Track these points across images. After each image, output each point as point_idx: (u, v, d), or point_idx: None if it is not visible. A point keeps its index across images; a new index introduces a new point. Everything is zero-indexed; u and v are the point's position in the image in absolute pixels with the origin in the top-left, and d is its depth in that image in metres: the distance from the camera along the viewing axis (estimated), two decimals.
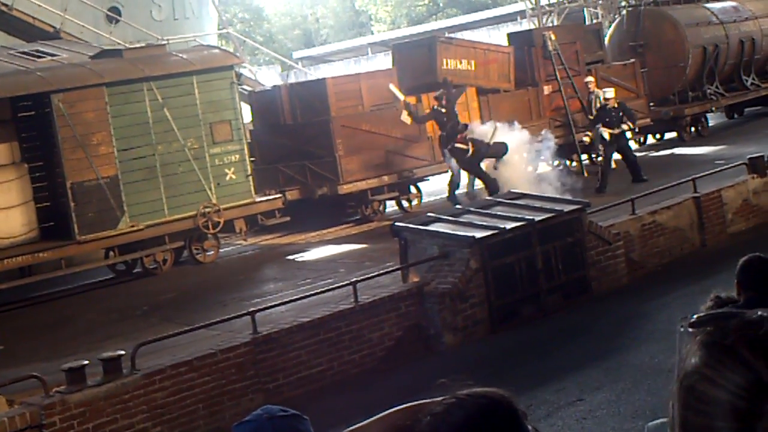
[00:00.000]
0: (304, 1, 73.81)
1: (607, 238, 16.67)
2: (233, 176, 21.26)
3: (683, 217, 18.51)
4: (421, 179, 24.68)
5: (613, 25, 33.58)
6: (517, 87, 26.72)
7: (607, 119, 23.76)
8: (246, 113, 24.41)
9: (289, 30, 72.54)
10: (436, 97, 22.81)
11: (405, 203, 24.41)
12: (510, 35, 29.45)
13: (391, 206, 24.64)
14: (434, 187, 25.07)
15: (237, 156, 21.43)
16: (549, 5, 40.47)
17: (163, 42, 23.77)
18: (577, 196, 18.60)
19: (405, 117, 23.51)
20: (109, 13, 26.96)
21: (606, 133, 23.63)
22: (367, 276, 15.14)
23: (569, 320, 15.15)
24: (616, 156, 24.15)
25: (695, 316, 1.79)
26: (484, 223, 15.58)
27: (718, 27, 32.91)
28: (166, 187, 20.33)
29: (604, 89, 24.96)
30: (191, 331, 13.34)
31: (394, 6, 70.09)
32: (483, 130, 23.01)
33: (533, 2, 40.42)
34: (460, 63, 25.47)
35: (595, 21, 38.58)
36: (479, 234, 15.10)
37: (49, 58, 21.30)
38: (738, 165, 20.42)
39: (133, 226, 19.81)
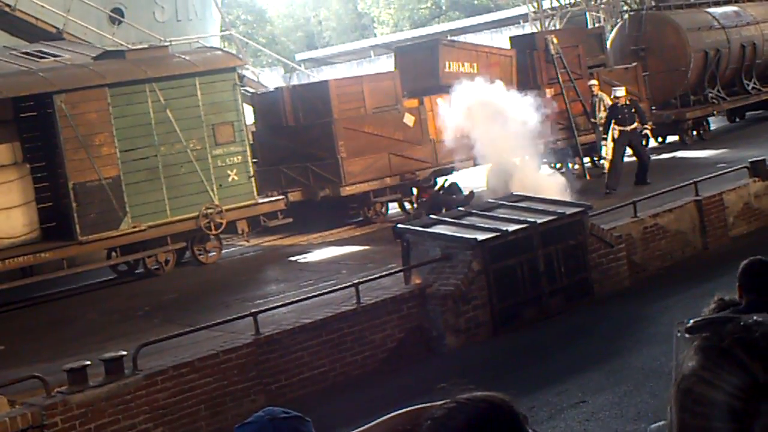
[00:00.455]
0: (307, 3, 73.86)
1: (609, 241, 16.68)
2: (235, 177, 21.26)
3: (685, 220, 18.53)
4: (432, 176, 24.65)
5: (615, 29, 33.60)
6: (519, 90, 26.68)
7: (619, 116, 23.71)
8: (248, 115, 24.40)
9: (291, 32, 72.57)
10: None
11: (407, 205, 24.41)
12: (512, 38, 29.44)
13: (394, 208, 24.65)
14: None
15: (239, 157, 21.43)
16: (551, 9, 40.49)
17: (166, 43, 23.78)
18: (579, 199, 18.60)
19: (408, 119, 23.50)
20: (111, 14, 26.98)
21: (616, 131, 23.59)
22: (369, 278, 15.15)
23: (571, 322, 15.16)
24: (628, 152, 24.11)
25: (692, 321, 1.81)
26: (487, 226, 15.60)
27: (719, 31, 32.93)
28: (168, 188, 20.33)
29: (614, 88, 24.93)
30: (193, 332, 13.34)
31: (397, 9, 70.12)
32: None
33: (535, 6, 40.43)
34: (463, 66, 25.47)
35: (597, 25, 38.62)
36: (481, 236, 15.11)
37: (52, 58, 21.31)
38: (739, 168, 20.43)
39: (135, 227, 19.81)
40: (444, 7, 69.62)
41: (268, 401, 12.37)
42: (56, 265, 19.35)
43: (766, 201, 19.87)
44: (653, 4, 34.47)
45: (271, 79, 41.24)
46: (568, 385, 12.22)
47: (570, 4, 40.03)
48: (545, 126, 23.21)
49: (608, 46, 31.38)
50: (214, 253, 21.08)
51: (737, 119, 35.96)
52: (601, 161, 25.44)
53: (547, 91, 26.81)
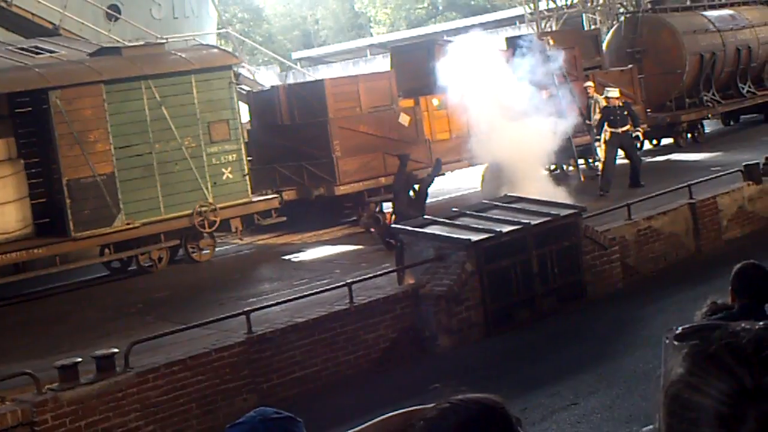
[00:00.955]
0: (304, 2, 73.85)
1: (602, 243, 16.69)
2: (230, 175, 21.24)
3: (679, 223, 18.55)
4: (419, 181, 24.62)
5: (611, 31, 33.62)
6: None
7: (611, 118, 23.70)
8: (244, 113, 24.39)
9: (288, 31, 72.55)
10: None
11: None
12: (508, 39, 29.43)
13: (388, 208, 24.62)
14: (431, 189, 25.01)
15: (234, 155, 21.41)
16: (548, 10, 40.50)
17: (162, 41, 23.74)
18: (574, 200, 18.61)
19: (403, 119, 23.51)
20: (108, 11, 26.94)
21: (607, 133, 23.60)
22: (362, 277, 15.18)
23: (564, 324, 15.17)
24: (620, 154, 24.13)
25: (680, 328, 1.83)
26: (480, 226, 15.60)
27: (715, 35, 32.98)
28: (162, 185, 20.29)
29: (607, 88, 24.94)
30: (186, 329, 13.32)
31: (394, 8, 70.11)
32: None
33: (532, 7, 40.44)
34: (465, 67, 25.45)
35: (593, 27, 38.64)
36: (475, 237, 15.12)
37: (48, 54, 21.28)
38: (733, 172, 20.46)
39: (128, 224, 19.78)
40: (440, 8, 69.63)
41: (260, 400, 12.37)
42: (49, 261, 19.31)
43: (760, 204, 19.88)
44: (649, 6, 34.49)
45: (267, 77, 41.21)
46: (560, 387, 12.23)
47: (566, 5, 40.05)
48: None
49: (604, 48, 31.39)
50: (208, 251, 21.05)
51: (732, 122, 36.01)
52: (596, 163, 25.45)
53: (543, 92, 26.79)
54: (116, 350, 11.97)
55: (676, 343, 1.79)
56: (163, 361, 12.25)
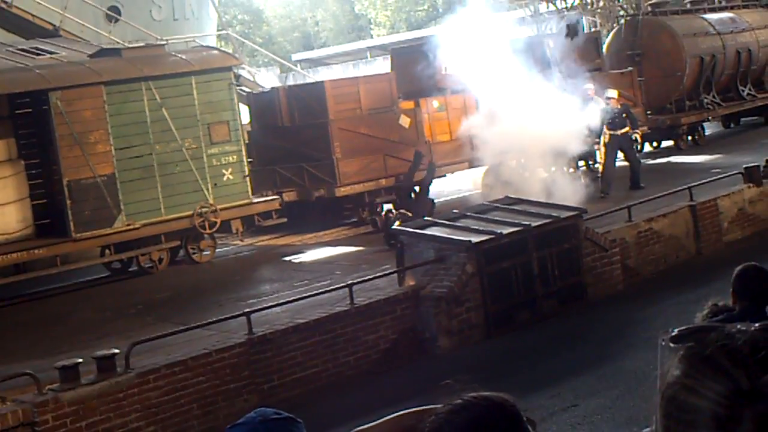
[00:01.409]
0: (304, 3, 73.82)
1: (603, 245, 16.69)
2: (230, 177, 21.23)
3: (679, 225, 18.55)
4: (419, 183, 24.64)
5: (611, 33, 33.62)
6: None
7: (610, 120, 23.68)
8: (244, 114, 24.38)
9: (288, 32, 72.54)
10: None
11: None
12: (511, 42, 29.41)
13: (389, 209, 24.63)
14: (432, 191, 25.03)
15: (234, 157, 21.39)
16: (548, 13, 40.49)
17: (163, 42, 23.74)
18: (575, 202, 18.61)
19: (403, 121, 23.51)
20: (108, 12, 26.95)
21: (606, 135, 23.59)
22: (363, 278, 15.18)
23: (564, 326, 15.17)
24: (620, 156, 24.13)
25: (676, 330, 1.84)
26: (481, 228, 15.60)
27: (715, 37, 32.97)
28: (163, 186, 20.27)
29: (606, 89, 24.94)
30: (186, 330, 13.33)
31: (394, 10, 70.11)
32: None
33: (531, 10, 40.44)
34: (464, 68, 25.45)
35: (593, 29, 38.61)
36: (476, 238, 15.12)
37: (48, 55, 21.28)
38: (734, 174, 20.46)
39: (129, 225, 19.76)
40: (441, 10, 69.62)
41: (261, 401, 12.37)
42: (49, 262, 19.29)
43: (760, 207, 19.89)
44: (649, 9, 34.48)
45: (268, 79, 41.19)
46: (561, 389, 12.24)
47: (566, 8, 40.03)
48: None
49: (604, 50, 31.37)
50: (208, 252, 21.04)
51: (732, 125, 36.01)
52: (596, 165, 25.45)
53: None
54: (117, 351, 11.97)
55: (672, 345, 1.81)
56: (164, 361, 12.25)
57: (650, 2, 35.19)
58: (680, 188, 19.41)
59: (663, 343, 1.85)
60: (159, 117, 20.43)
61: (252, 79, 30.04)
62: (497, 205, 17.15)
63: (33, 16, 24.62)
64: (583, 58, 27.44)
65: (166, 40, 24.73)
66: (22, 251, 18.84)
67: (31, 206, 20.01)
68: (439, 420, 2.09)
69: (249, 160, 22.20)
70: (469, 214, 16.66)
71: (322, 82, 25.23)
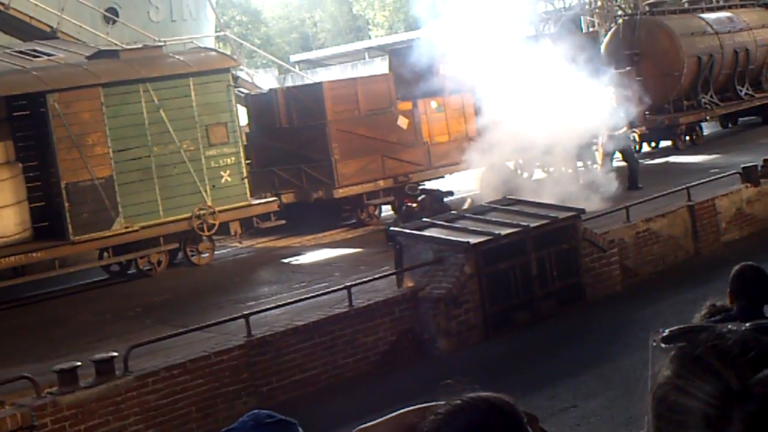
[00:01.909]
0: (303, 4, 73.80)
1: (601, 245, 16.69)
2: (229, 179, 21.22)
3: (677, 225, 18.55)
4: (417, 184, 24.63)
5: (609, 33, 33.60)
6: None
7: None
8: (242, 116, 24.36)
9: (286, 33, 72.54)
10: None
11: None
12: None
13: (387, 210, 24.63)
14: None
15: (233, 158, 21.38)
16: (545, 13, 40.47)
17: (160, 44, 23.72)
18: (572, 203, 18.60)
19: (401, 121, 23.52)
20: (106, 14, 26.91)
21: (605, 135, 23.59)
22: (362, 280, 15.17)
23: (563, 326, 15.18)
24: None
25: (667, 331, 1.85)
26: (479, 229, 15.60)
27: (713, 37, 32.98)
28: (161, 188, 20.26)
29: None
30: (185, 333, 13.30)
31: (392, 11, 70.08)
32: None
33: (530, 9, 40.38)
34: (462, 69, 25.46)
35: (591, 29, 38.60)
36: (474, 239, 15.12)
37: (46, 57, 21.26)
38: (732, 174, 20.46)
39: (127, 227, 19.76)
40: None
41: (260, 403, 12.36)
42: (48, 265, 19.28)
43: (758, 206, 19.89)
44: (647, 9, 34.48)
45: (266, 80, 41.17)
46: (559, 390, 12.24)
47: (564, 8, 40.02)
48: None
49: (602, 50, 31.37)
50: (207, 255, 21.02)
51: (730, 125, 36.01)
52: (594, 165, 25.43)
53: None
54: (115, 354, 11.96)
55: (663, 345, 1.81)
56: (163, 364, 12.25)
57: (648, 2, 35.19)
58: (678, 188, 19.40)
59: (654, 344, 1.86)
60: (157, 119, 20.42)
61: (250, 80, 30.01)
62: (495, 206, 17.15)
63: (30, 18, 24.59)
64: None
65: (164, 41, 24.72)
66: (20, 254, 18.81)
67: (29, 209, 20.00)
68: (437, 421, 2.09)
69: (247, 161, 22.20)
70: (467, 215, 16.68)
71: (320, 83, 25.23)
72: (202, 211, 20.52)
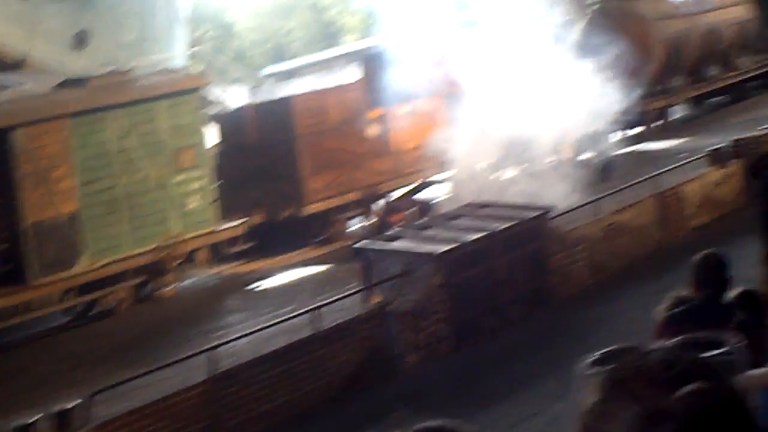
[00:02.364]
0: (276, 13, 73.51)
1: (569, 243, 16.63)
2: (196, 205, 20.92)
3: (646, 214, 18.45)
4: (386, 194, 24.49)
5: (583, 22, 33.43)
6: None
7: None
8: (213, 135, 24.13)
9: (260, 45, 72.35)
10: None
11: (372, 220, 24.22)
12: None
13: (358, 223, 24.45)
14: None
15: (201, 183, 21.14)
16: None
17: (129, 67, 23.33)
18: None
19: (371, 130, 23.42)
20: (76, 38, 26.54)
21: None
22: (327, 301, 15.01)
23: (532, 330, 15.13)
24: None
25: (593, 357, 1.89)
26: (447, 237, 15.54)
27: (683, 19, 32.90)
28: (127, 220, 19.91)
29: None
30: (148, 374, 13.07)
31: (365, 16, 69.65)
32: None
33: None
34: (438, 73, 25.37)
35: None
36: (441, 248, 15.05)
37: (11, 89, 20.89)
38: (700, 158, 20.39)
39: (93, 264, 19.35)
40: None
41: None
42: (10, 312, 18.53)
43: (725, 188, 19.79)
44: None
45: (239, 95, 41.03)
46: (528, 395, 12.28)
47: None
48: None
49: (577, 40, 31.20)
50: (174, 286, 20.65)
51: (701, 106, 35.94)
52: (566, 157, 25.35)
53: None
54: (76, 402, 11.81)
55: (590, 371, 1.84)
56: (125, 409, 12.11)
57: None
58: (645, 177, 19.26)
59: (582, 372, 1.89)
60: (125, 146, 20.13)
61: (222, 97, 29.86)
62: (464, 211, 17.07)
63: None
64: None
65: (135, 63, 24.44)
66: None
67: None
68: None
69: (217, 183, 21.90)
70: (435, 222, 16.62)
71: (289, 97, 24.90)
72: (169, 242, 20.20)
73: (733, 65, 35.29)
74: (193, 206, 20.85)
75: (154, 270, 20.40)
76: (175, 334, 17.38)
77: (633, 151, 28.07)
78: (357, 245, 16.55)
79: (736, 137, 21.01)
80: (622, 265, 17.55)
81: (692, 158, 20.62)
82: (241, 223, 21.93)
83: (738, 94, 35.12)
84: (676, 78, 32.30)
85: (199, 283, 21.96)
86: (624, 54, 28.83)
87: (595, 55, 30.11)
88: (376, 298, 15.23)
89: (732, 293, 6.83)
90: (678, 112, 34.19)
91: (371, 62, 26.38)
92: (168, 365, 13.32)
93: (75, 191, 19.41)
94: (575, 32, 31.60)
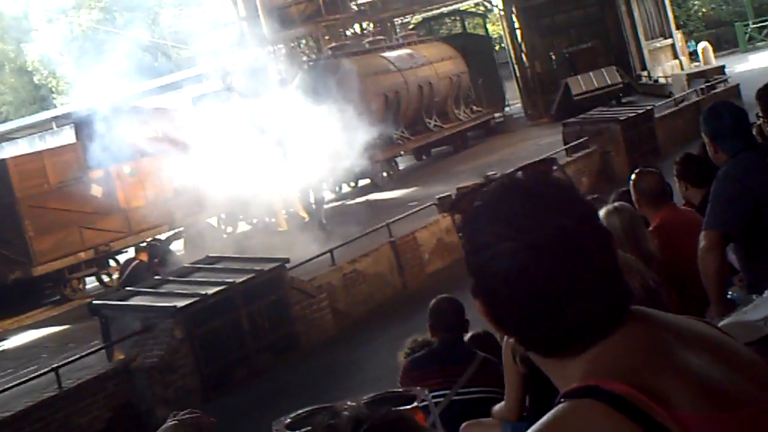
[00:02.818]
0: None
1: (310, 292, 16.74)
2: None
3: (382, 262, 18.80)
4: (119, 252, 24.17)
5: (295, 79, 33.88)
6: None
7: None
8: None
9: None
10: None
11: (105, 278, 23.83)
12: (195, 98, 29.37)
13: (93, 282, 24.02)
14: None
15: None
16: (231, 65, 40.47)
17: None
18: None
19: (95, 190, 23.04)
20: None
21: None
22: (69, 359, 14.57)
23: (281, 378, 15.08)
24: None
25: (288, 418, 1.96)
26: (186, 291, 15.38)
27: (396, 74, 33.82)
28: None
29: None
30: None
31: (76, 75, 68.47)
32: None
33: (215, 63, 40.27)
34: (155, 131, 25.20)
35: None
36: (181, 303, 14.86)
37: None
38: (429, 206, 20.90)
39: None
40: (124, 72, 68.68)
41: None
42: None
43: (455, 235, 20.34)
44: (330, 52, 35.03)
45: None
46: None
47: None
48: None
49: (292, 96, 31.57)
50: None
51: (424, 156, 37.02)
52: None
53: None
54: None
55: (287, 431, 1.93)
56: None
57: (330, 46, 35.77)
58: (379, 226, 19.61)
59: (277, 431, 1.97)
60: None
61: None
62: (199, 265, 16.95)
63: None
64: None
65: None
66: None
67: None
68: None
69: None
70: (171, 278, 16.39)
71: (4, 160, 24.28)
72: None
73: (451, 116, 36.56)
74: None
75: None
76: None
77: (365, 201, 28.57)
78: (93, 303, 16.15)
79: (458, 186, 21.63)
80: (365, 311, 17.80)
81: (422, 206, 21.12)
82: None
83: (459, 143, 36.40)
84: (396, 131, 33.08)
85: None
86: (343, 108, 29.47)
87: (317, 109, 30.67)
88: (119, 355, 14.87)
89: (468, 335, 7.05)
90: (403, 163, 35.07)
91: (86, 124, 25.95)
92: None
93: None
94: (293, 88, 32.06)
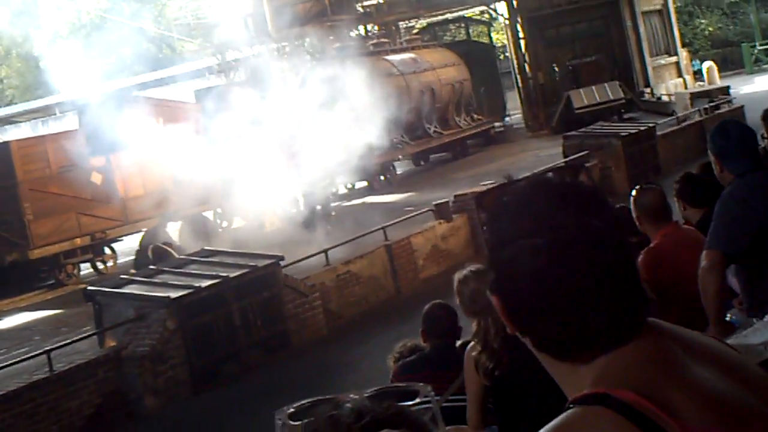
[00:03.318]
0: None
1: (303, 291, 16.80)
2: None
3: (377, 265, 18.86)
4: (115, 240, 24.27)
5: (298, 78, 33.93)
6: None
7: None
8: None
9: None
10: None
11: (100, 265, 23.93)
12: (197, 92, 29.45)
13: (87, 268, 24.10)
14: (129, 247, 24.62)
15: None
16: (235, 60, 40.58)
17: None
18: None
19: (95, 177, 23.10)
20: None
21: None
22: (62, 343, 14.66)
23: (271, 375, 15.14)
24: None
25: (292, 408, 1.91)
26: (180, 283, 15.46)
27: (399, 78, 33.89)
28: None
29: None
30: None
31: (82, 64, 68.43)
32: None
33: (219, 58, 40.38)
34: (153, 120, 25.25)
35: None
36: (175, 294, 14.95)
37: None
38: (426, 211, 20.97)
39: None
40: (128, 62, 68.77)
41: None
42: None
43: (452, 242, 20.46)
44: (334, 53, 35.03)
45: None
46: None
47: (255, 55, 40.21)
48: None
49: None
50: None
51: (422, 162, 37.07)
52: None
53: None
54: None
55: (290, 422, 1.86)
56: None
57: (335, 46, 35.82)
58: (375, 229, 19.69)
59: (280, 422, 1.90)
60: None
61: None
62: (195, 258, 17.03)
63: None
64: None
65: None
66: None
67: None
68: None
69: None
70: (166, 269, 16.48)
71: (8, 142, 24.46)
72: None
73: (452, 123, 36.62)
74: None
75: None
76: None
77: (361, 203, 28.64)
78: (88, 289, 16.24)
79: (456, 193, 21.71)
80: (358, 312, 17.87)
81: (419, 212, 21.20)
82: None
83: (458, 151, 36.43)
84: (396, 135, 33.14)
85: None
86: (343, 109, 29.58)
87: (317, 109, 30.76)
88: (111, 342, 14.98)
89: (459, 342, 7.11)
90: (401, 168, 35.13)
91: (89, 111, 26.08)
92: None
93: None
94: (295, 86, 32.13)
